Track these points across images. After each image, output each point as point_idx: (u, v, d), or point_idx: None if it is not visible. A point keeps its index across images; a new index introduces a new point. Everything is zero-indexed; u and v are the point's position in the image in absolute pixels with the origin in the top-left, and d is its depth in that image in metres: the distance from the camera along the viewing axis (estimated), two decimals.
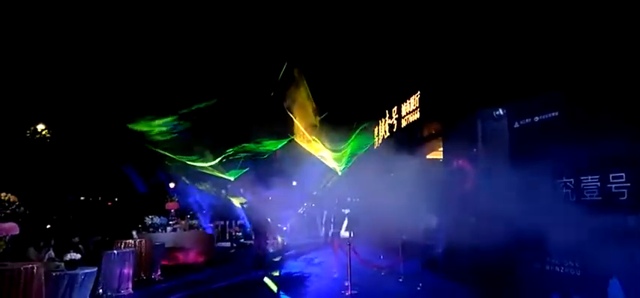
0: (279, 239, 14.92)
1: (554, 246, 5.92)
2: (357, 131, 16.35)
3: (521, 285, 6.52)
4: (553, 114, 6.26)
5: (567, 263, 5.83)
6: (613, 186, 5.46)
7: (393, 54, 15.66)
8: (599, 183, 5.64)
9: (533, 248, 6.22)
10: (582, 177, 5.83)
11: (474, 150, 8.27)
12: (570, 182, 5.98)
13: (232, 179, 17.49)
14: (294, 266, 11.95)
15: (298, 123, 15.87)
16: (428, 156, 14.50)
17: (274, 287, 9.41)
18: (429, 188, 8.89)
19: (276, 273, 10.81)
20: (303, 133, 15.91)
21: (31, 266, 5.65)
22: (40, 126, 17.29)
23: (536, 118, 6.44)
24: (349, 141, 16.30)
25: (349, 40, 18.97)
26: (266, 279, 10.00)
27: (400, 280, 9.30)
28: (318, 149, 16.27)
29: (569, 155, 6.01)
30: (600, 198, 5.59)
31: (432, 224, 10.16)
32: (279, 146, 17.00)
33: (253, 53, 19.60)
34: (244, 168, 17.10)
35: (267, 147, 16.71)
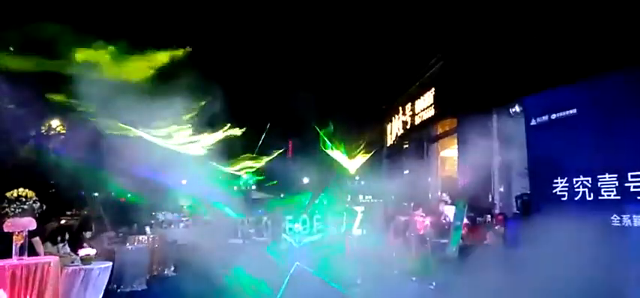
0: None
1: None
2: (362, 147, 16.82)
3: None
4: (571, 111, 6.16)
5: None
6: (632, 184, 5.36)
7: (407, 48, 15.57)
8: (617, 182, 5.54)
9: None
10: (599, 176, 5.74)
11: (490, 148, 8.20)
12: (587, 180, 5.89)
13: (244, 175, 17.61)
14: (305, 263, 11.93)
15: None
16: (441, 154, 14.43)
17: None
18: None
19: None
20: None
21: (47, 260, 5.73)
22: (55, 122, 17.49)
23: (554, 116, 6.34)
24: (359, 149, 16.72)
25: (362, 35, 18.93)
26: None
27: (413, 279, 9.25)
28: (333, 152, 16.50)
29: (587, 153, 5.92)
30: (619, 197, 5.51)
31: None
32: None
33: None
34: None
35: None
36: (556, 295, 5.37)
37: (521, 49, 8.43)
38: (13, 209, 5.93)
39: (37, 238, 6.22)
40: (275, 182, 19.97)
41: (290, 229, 14.90)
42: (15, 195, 6.05)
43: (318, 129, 16.51)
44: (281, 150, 19.27)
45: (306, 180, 22.73)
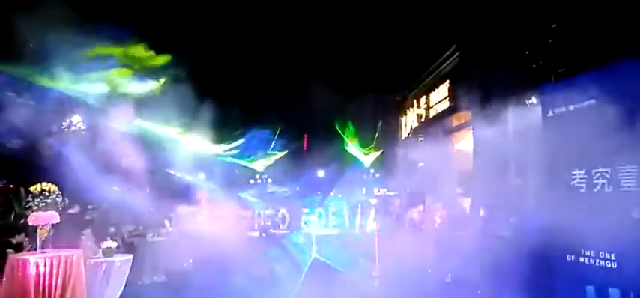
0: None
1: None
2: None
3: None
4: (589, 101, 6.06)
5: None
6: None
7: (422, 41, 15.48)
8: (637, 173, 5.45)
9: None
10: (619, 167, 5.65)
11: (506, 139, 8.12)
12: (606, 172, 5.81)
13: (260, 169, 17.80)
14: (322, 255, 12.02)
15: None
16: (456, 147, 14.33)
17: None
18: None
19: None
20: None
21: (71, 253, 5.90)
22: (76, 118, 17.82)
23: (571, 106, 6.24)
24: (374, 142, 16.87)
25: (377, 29, 18.86)
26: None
27: (429, 271, 9.25)
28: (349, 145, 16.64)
29: (606, 144, 5.83)
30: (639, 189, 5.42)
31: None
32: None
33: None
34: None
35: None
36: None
37: (536, 38, 8.31)
38: (37, 203, 6.12)
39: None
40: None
41: (306, 222, 15.01)
42: (39, 189, 6.24)
43: (337, 126, 16.62)
44: (296, 145, 19.42)
45: (321, 174, 22.81)
